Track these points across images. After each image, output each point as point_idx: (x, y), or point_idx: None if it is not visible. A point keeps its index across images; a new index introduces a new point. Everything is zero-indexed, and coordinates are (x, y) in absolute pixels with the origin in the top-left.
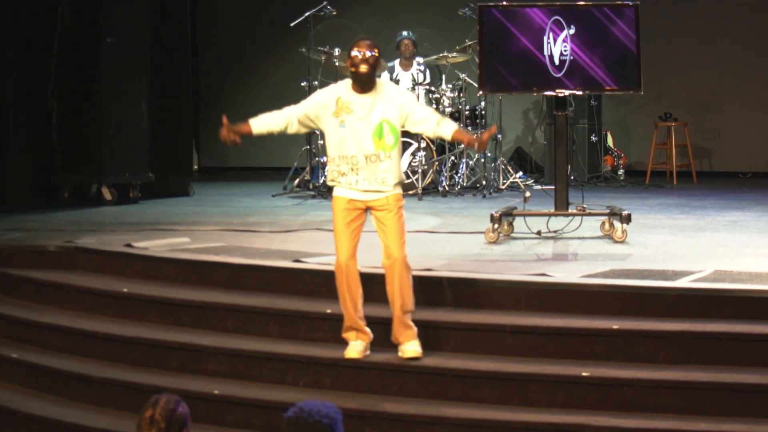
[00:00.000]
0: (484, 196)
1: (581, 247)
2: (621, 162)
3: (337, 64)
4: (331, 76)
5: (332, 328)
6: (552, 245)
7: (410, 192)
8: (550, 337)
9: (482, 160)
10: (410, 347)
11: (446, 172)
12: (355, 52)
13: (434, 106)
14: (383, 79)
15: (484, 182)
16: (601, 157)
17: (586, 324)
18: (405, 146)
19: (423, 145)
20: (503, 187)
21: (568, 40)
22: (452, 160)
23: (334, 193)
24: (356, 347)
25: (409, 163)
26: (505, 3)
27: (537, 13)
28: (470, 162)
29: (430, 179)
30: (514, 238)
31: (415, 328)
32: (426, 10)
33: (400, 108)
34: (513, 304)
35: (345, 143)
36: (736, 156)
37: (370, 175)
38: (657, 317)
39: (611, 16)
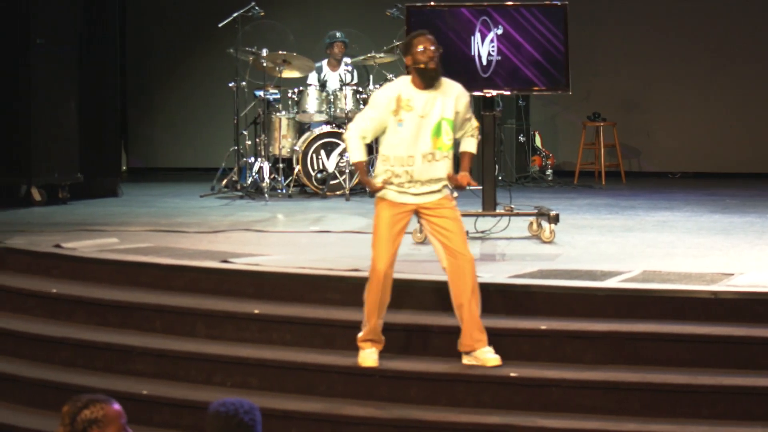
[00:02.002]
0: None
1: (509, 248)
2: (549, 162)
3: (264, 64)
4: (259, 76)
5: (259, 329)
6: (479, 246)
7: (338, 192)
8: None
9: None
10: (491, 355)
11: (373, 172)
12: (420, 48)
13: (361, 106)
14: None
15: None
16: (529, 158)
17: (513, 324)
18: (332, 146)
19: None
20: None
21: (496, 40)
22: None
23: (381, 194)
24: (372, 355)
25: (337, 164)
26: (432, 3)
27: (465, 13)
28: None
29: (357, 179)
30: None
31: (486, 334)
32: (354, 11)
33: (456, 101)
34: (440, 304)
35: (403, 143)
36: (665, 156)
37: (424, 175)
38: (585, 318)
39: (539, 16)
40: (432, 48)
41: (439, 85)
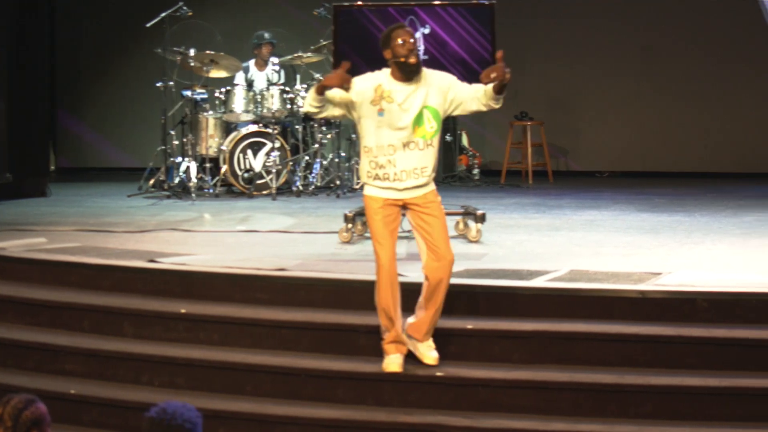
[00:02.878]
0: (338, 196)
1: None
2: (476, 161)
3: (192, 64)
4: (187, 76)
5: (187, 328)
6: (406, 245)
7: (264, 192)
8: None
9: (336, 159)
10: (433, 353)
11: (300, 172)
12: (399, 41)
13: (289, 106)
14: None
15: (338, 182)
16: (455, 157)
17: (440, 324)
18: (259, 146)
19: (277, 145)
20: (357, 186)
21: (423, 39)
22: (306, 160)
23: (368, 192)
24: (397, 360)
25: (263, 163)
26: (360, 3)
27: (392, 13)
28: (324, 162)
29: (284, 179)
30: (368, 238)
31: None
32: (281, 11)
33: (446, 93)
34: (366, 304)
35: (383, 131)
36: (592, 155)
37: (408, 165)
38: (512, 317)
39: (467, 15)
40: (411, 41)
41: (420, 76)
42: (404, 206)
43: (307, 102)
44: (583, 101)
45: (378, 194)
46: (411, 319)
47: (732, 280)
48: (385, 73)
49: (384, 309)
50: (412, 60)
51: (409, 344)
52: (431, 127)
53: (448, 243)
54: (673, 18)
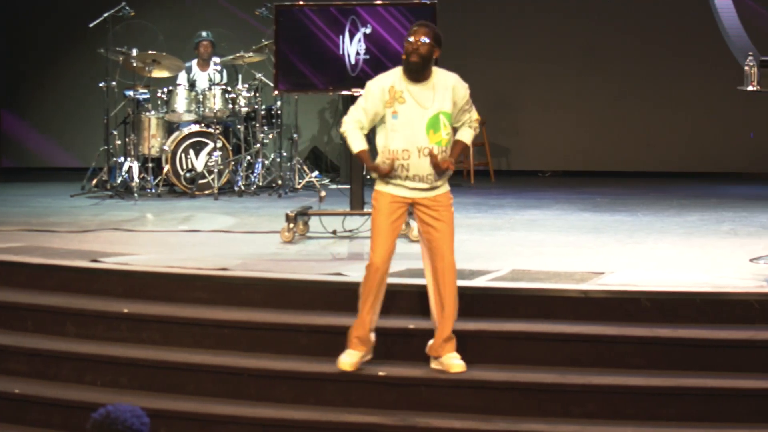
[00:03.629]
0: (279, 196)
1: None
2: None
3: (134, 64)
4: (129, 76)
5: (129, 328)
6: (347, 245)
7: (206, 192)
8: (345, 336)
9: (278, 159)
10: (456, 361)
11: (242, 171)
12: (409, 39)
13: (230, 106)
14: (439, 68)
15: (279, 182)
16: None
17: (382, 323)
18: (201, 146)
19: (219, 144)
20: (299, 186)
21: (364, 39)
22: (248, 160)
23: (378, 187)
24: (353, 357)
25: (205, 163)
26: (301, 3)
27: (333, 13)
28: (266, 162)
29: (226, 179)
30: (310, 238)
31: (455, 339)
32: (223, 11)
33: (453, 92)
34: (308, 303)
35: (396, 136)
36: (534, 155)
37: (422, 170)
38: None
39: (408, 14)
40: (420, 40)
41: (432, 77)
42: (412, 205)
43: (345, 136)
44: (526, 101)
45: (387, 189)
46: (431, 342)
47: (675, 279)
48: (398, 72)
49: (362, 302)
50: (413, 59)
51: (433, 363)
52: (447, 133)
53: (452, 245)
54: (617, 17)
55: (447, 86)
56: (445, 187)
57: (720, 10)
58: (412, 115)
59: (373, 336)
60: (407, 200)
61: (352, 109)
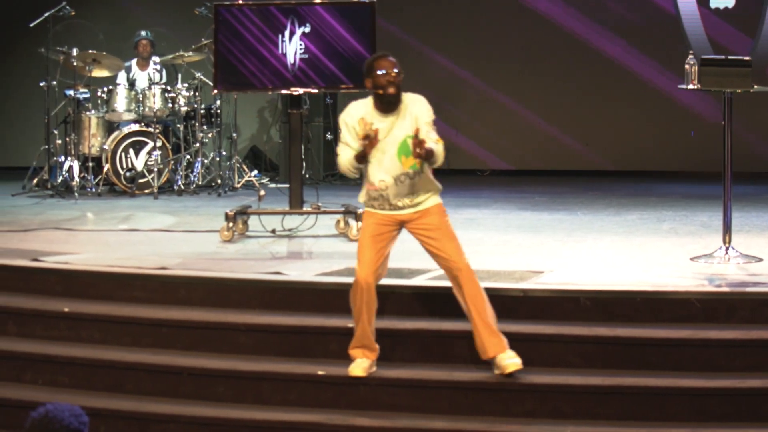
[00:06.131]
0: (219, 195)
1: (316, 246)
2: None
3: (75, 64)
4: (70, 75)
5: (69, 327)
6: (287, 244)
7: (146, 191)
8: (285, 335)
9: (217, 158)
10: (509, 360)
11: (182, 170)
12: (380, 71)
13: (170, 105)
14: (406, 93)
15: (219, 181)
16: (336, 156)
17: (320, 322)
18: (141, 145)
19: (158, 144)
20: (238, 185)
21: (304, 38)
22: (188, 159)
23: (367, 208)
24: (362, 365)
25: (145, 162)
26: (240, 2)
27: (273, 12)
28: (205, 161)
29: (165, 178)
30: (249, 237)
31: (505, 338)
32: (163, 10)
33: (418, 113)
34: (246, 302)
35: (372, 168)
36: (472, 154)
37: (402, 193)
38: (392, 315)
39: (347, 14)
40: (394, 72)
41: (400, 106)
42: (402, 224)
43: (347, 170)
44: (463, 100)
45: (374, 211)
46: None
47: (615, 278)
48: (368, 103)
49: (355, 315)
50: (391, 90)
51: (496, 369)
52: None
53: (458, 251)
54: (554, 16)
55: (413, 110)
56: (434, 200)
57: (684, 16)
58: (384, 145)
59: (376, 345)
60: (395, 219)
61: (341, 145)
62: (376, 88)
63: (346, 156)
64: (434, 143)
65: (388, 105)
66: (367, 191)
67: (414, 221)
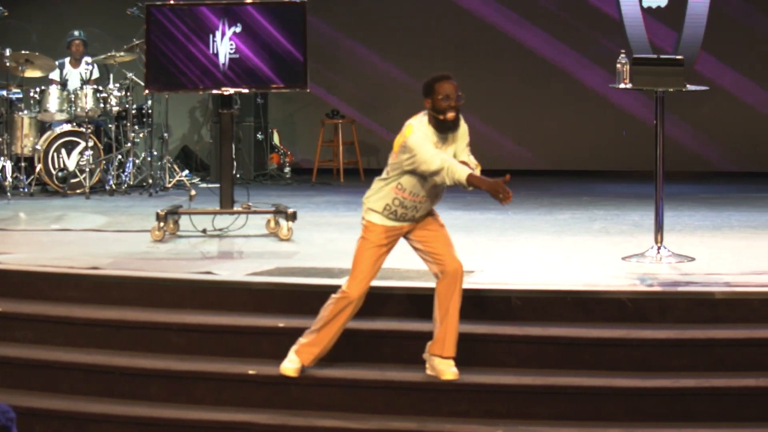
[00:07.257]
0: (150, 195)
1: (247, 245)
2: (287, 160)
3: (7, 64)
4: (2, 75)
5: (2, 327)
6: (217, 243)
7: (78, 191)
8: (216, 335)
9: (149, 158)
10: (451, 369)
11: (113, 170)
12: (441, 96)
13: (102, 105)
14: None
15: (150, 181)
16: (267, 155)
17: (252, 322)
18: (73, 145)
19: (90, 144)
20: (169, 185)
21: (235, 38)
22: (119, 159)
23: (372, 219)
24: (297, 366)
25: (77, 162)
26: (172, 2)
27: (204, 12)
28: (137, 161)
29: (97, 178)
30: (180, 237)
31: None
32: (95, 10)
33: (464, 140)
34: (178, 302)
35: (421, 181)
36: None
37: (428, 208)
38: None
39: (278, 13)
40: (458, 95)
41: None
42: (403, 235)
43: (451, 180)
44: (395, 99)
45: (383, 223)
46: (430, 343)
47: (547, 278)
48: (422, 121)
49: (326, 330)
50: (450, 116)
51: (428, 363)
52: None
53: (453, 252)
54: (487, 15)
55: (462, 134)
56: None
57: (626, 19)
58: None
59: None
60: (404, 230)
61: (427, 153)
62: (437, 112)
63: (448, 158)
64: (475, 167)
65: (446, 130)
66: (399, 199)
67: (415, 228)
